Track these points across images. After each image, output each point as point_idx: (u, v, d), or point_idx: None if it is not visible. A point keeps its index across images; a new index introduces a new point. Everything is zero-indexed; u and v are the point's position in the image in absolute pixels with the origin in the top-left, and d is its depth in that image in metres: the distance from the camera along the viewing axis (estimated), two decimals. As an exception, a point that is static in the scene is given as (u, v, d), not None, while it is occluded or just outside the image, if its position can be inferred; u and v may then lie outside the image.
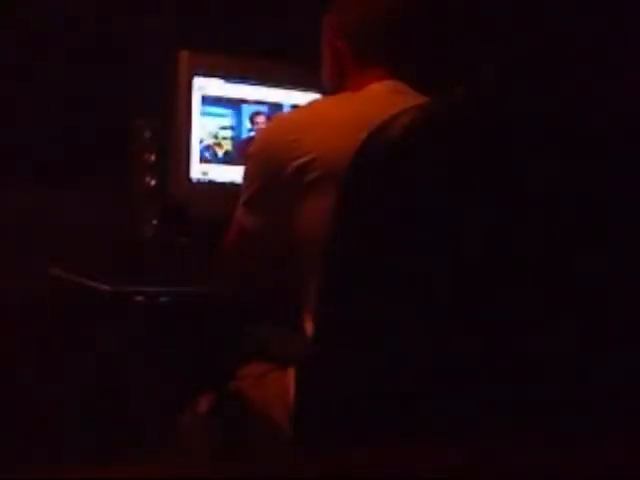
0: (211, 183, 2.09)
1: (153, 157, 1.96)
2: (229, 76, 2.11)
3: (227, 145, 2.10)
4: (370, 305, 1.15)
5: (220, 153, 2.09)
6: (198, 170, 2.08)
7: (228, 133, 2.10)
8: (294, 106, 2.13)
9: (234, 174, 2.02)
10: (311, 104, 1.77)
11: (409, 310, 1.13)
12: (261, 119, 2.13)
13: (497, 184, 1.13)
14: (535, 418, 1.13)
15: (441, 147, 1.13)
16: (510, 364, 1.14)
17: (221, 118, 2.10)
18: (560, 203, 1.15)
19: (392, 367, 1.14)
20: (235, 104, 2.11)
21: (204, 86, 2.08)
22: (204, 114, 2.08)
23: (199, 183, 2.08)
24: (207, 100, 2.08)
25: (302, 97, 2.12)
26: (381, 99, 1.60)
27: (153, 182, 1.95)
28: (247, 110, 2.13)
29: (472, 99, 1.16)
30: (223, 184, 2.09)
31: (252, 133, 2.12)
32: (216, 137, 2.08)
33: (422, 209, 1.13)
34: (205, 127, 2.08)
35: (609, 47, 2.03)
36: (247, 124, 2.13)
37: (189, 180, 2.07)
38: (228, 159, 2.10)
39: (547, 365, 1.15)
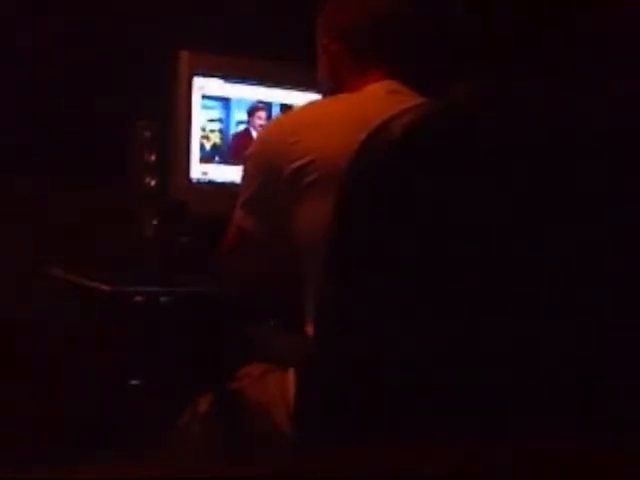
0: (211, 183, 2.09)
1: (153, 157, 1.96)
2: (229, 76, 2.11)
3: (215, 138, 2.10)
4: (370, 305, 1.15)
5: (208, 146, 2.09)
6: (198, 170, 2.08)
7: (216, 126, 2.10)
8: (292, 106, 2.13)
9: (234, 174, 2.02)
10: (309, 105, 1.77)
11: (410, 310, 1.13)
12: (262, 114, 2.13)
13: (497, 184, 1.13)
14: (535, 418, 1.13)
15: (441, 147, 1.13)
16: (512, 365, 1.15)
17: (209, 110, 2.10)
18: (559, 203, 1.15)
19: (393, 367, 1.14)
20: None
21: (204, 86, 2.08)
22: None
23: (199, 183, 2.08)
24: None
25: (302, 97, 2.12)
26: (380, 99, 1.60)
27: (153, 182, 1.95)
28: (237, 104, 2.12)
29: (472, 99, 1.16)
30: (223, 184, 2.09)
31: (243, 126, 2.12)
32: (204, 130, 2.08)
33: (422, 209, 1.13)
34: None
35: (609, 47, 2.03)
36: (238, 117, 2.12)
37: (189, 180, 2.07)
38: (228, 159, 2.11)
39: (548, 365, 1.15)
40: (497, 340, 1.14)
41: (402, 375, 1.14)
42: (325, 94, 1.76)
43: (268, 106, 2.14)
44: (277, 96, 2.15)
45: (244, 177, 1.64)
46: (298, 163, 1.53)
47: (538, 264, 1.14)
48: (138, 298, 1.68)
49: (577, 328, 1.15)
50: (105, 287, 1.66)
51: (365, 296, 1.15)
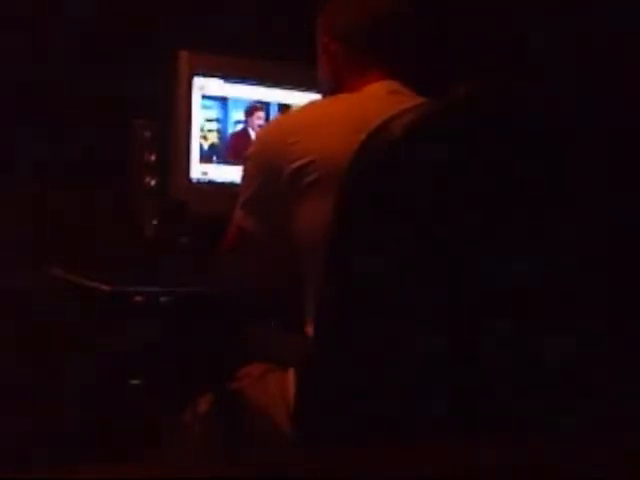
0: (211, 183, 2.09)
1: (153, 157, 1.96)
2: (229, 76, 2.11)
3: (213, 138, 2.10)
4: (370, 305, 1.15)
5: (206, 146, 2.08)
6: (198, 170, 2.08)
7: (214, 126, 2.10)
8: (292, 106, 2.13)
9: (234, 174, 2.02)
10: (309, 105, 1.77)
11: (409, 310, 1.13)
12: (260, 114, 2.13)
13: (497, 183, 1.13)
14: (535, 418, 1.13)
15: (441, 147, 1.13)
16: (511, 365, 1.15)
17: (207, 110, 2.09)
18: (560, 202, 1.15)
19: (392, 367, 1.14)
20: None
21: (204, 86, 2.08)
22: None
23: (199, 183, 2.08)
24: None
25: (302, 97, 2.12)
26: (380, 99, 1.60)
27: (153, 182, 1.95)
28: (234, 103, 2.12)
29: (472, 99, 1.16)
30: (223, 184, 2.09)
31: (241, 126, 2.12)
32: (202, 130, 2.08)
33: (422, 209, 1.13)
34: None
35: (609, 46, 2.03)
36: (235, 117, 2.12)
37: (189, 180, 2.07)
38: (226, 159, 2.11)
39: (548, 366, 1.15)
40: (497, 341, 1.14)
41: (402, 375, 1.14)
42: (325, 94, 1.76)
43: (267, 106, 2.14)
44: (277, 96, 2.15)
45: (244, 177, 1.64)
46: (298, 163, 1.53)
47: (538, 263, 1.14)
48: (138, 298, 1.68)
49: (578, 329, 1.15)
50: (105, 287, 1.66)
51: (365, 296, 1.15)
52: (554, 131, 1.14)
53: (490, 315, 1.14)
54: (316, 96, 1.92)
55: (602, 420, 1.12)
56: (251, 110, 2.12)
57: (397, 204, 1.13)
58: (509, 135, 1.13)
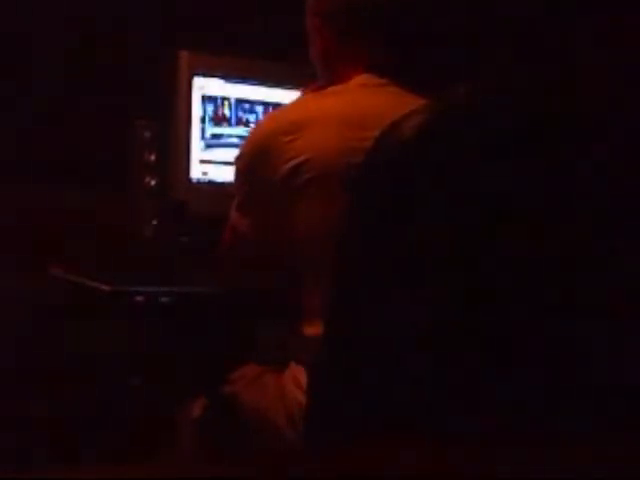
0: (211, 183, 2.09)
1: (153, 157, 1.96)
2: (229, 76, 2.11)
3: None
4: (382, 306, 1.14)
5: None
6: (198, 170, 2.08)
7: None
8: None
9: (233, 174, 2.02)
10: (301, 102, 1.75)
11: (420, 311, 1.13)
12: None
13: (509, 184, 1.13)
14: (535, 418, 1.13)
15: (454, 147, 1.13)
16: (513, 365, 1.14)
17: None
18: (565, 202, 1.15)
19: (400, 369, 1.14)
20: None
21: (204, 86, 2.08)
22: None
23: (199, 183, 2.08)
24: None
25: (302, 97, 2.12)
26: (370, 95, 1.58)
27: (153, 182, 1.95)
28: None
29: (486, 99, 1.15)
30: (223, 184, 2.09)
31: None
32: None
33: (434, 209, 1.13)
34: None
35: (609, 45, 2.03)
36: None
37: (189, 180, 2.07)
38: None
39: (548, 366, 1.15)
40: (504, 342, 1.14)
41: (408, 376, 1.13)
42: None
43: (266, 106, 2.15)
44: (277, 96, 2.15)
45: (238, 177, 1.63)
46: (293, 162, 1.51)
47: (551, 267, 1.14)
48: (138, 298, 1.68)
49: (586, 328, 1.15)
50: (105, 287, 1.66)
51: (377, 297, 1.14)
52: (569, 131, 1.14)
53: (499, 316, 1.13)
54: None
55: (602, 420, 1.12)
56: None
57: (410, 204, 1.12)
58: (521, 135, 1.13)
